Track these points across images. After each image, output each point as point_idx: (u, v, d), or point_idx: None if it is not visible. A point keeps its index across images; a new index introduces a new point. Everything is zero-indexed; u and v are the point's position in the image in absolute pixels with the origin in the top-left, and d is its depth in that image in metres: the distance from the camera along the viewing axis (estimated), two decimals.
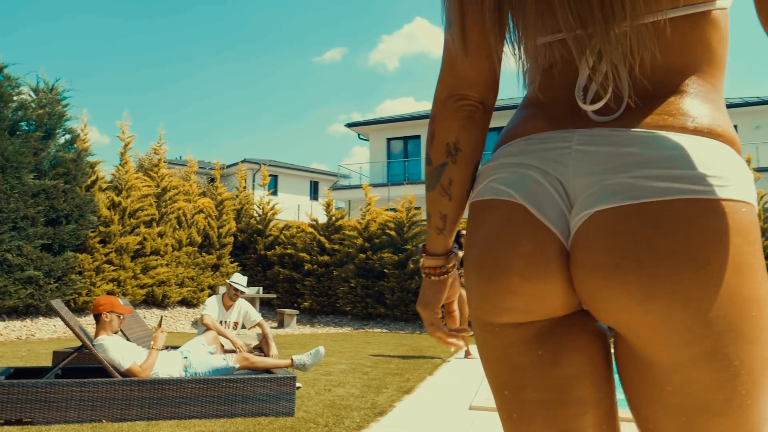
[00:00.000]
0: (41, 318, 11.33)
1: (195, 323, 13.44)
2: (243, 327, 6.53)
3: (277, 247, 16.01)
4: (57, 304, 4.67)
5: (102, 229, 12.47)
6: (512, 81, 1.09)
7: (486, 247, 0.97)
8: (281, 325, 13.76)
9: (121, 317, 4.67)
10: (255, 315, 6.29)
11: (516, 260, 0.94)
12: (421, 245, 1.79)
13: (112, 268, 12.51)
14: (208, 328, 5.80)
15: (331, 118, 78.05)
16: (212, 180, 21.34)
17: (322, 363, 7.67)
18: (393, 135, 29.28)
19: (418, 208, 15.36)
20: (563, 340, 0.98)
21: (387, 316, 14.69)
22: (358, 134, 30.80)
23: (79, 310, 12.11)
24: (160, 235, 13.86)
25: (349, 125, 29.71)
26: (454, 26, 1.03)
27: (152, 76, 72.55)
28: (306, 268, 15.20)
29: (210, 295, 11.49)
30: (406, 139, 29.17)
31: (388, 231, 14.67)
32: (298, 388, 5.62)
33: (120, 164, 13.48)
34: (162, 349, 4.87)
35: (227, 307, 6.20)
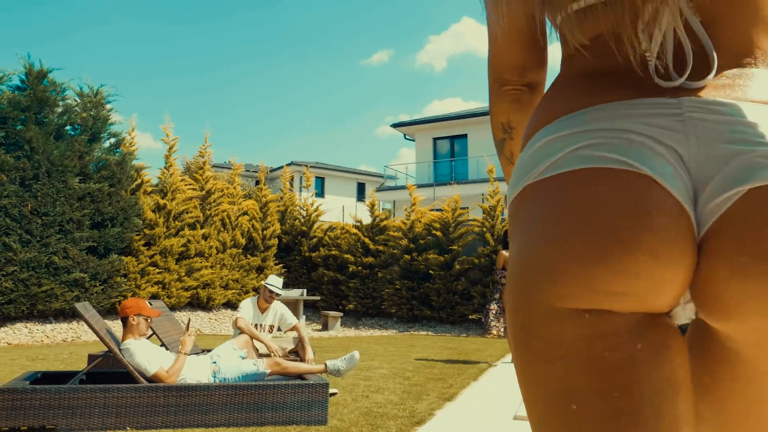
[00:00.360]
0: None
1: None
2: (279, 330, 6.33)
3: (321, 248, 15.86)
4: (81, 307, 4.54)
5: (147, 231, 12.52)
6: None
7: (594, 222, 0.78)
8: (325, 327, 13.58)
9: (149, 320, 4.50)
10: (291, 318, 6.07)
11: (646, 235, 0.75)
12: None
13: (157, 270, 12.55)
14: (242, 332, 5.60)
15: (379, 120, 78.11)
16: (258, 183, 21.43)
17: (362, 367, 7.41)
18: (439, 134, 28.90)
19: (464, 209, 14.98)
20: (663, 337, 0.80)
21: (433, 318, 14.35)
22: (404, 134, 30.53)
23: None
24: (205, 237, 13.86)
25: (395, 125, 29.47)
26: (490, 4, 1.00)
27: (200, 81, 73.97)
28: (350, 269, 14.99)
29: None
30: (452, 139, 28.75)
31: (433, 231, 14.33)
32: (334, 394, 5.37)
33: (165, 167, 13.53)
34: (192, 354, 4.68)
35: (262, 310, 6.00)
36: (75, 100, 11.71)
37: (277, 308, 6.07)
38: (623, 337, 0.78)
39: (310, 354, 5.67)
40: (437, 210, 15.33)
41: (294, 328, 5.99)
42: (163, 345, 5.83)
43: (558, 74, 0.97)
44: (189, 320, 5.03)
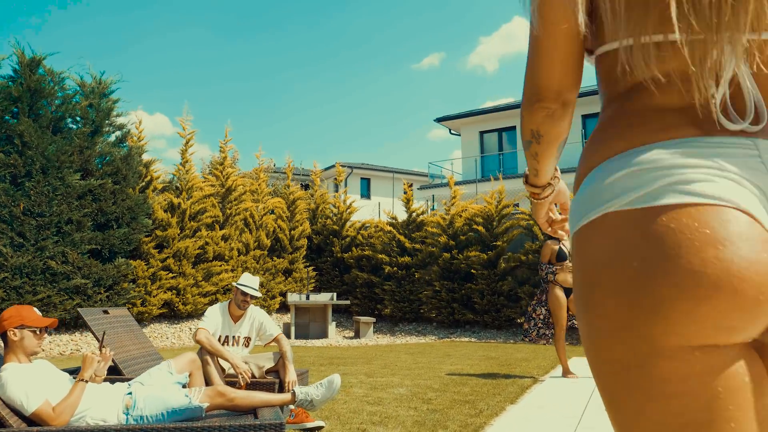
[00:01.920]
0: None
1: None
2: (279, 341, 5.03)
3: (354, 248, 14.57)
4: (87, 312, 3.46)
5: (158, 233, 11.47)
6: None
7: (704, 258, 0.79)
8: (357, 335, 12.26)
9: (40, 332, 3.24)
10: (272, 327, 4.76)
11: (755, 270, 0.78)
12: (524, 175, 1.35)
13: (170, 275, 11.48)
14: (202, 348, 4.33)
15: (431, 124, 76.75)
16: (306, 187, 20.31)
17: (378, 386, 6.05)
18: (486, 128, 27.31)
19: (516, 205, 13.42)
20: (760, 364, 0.84)
21: (476, 322, 12.86)
22: (450, 129, 29.06)
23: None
24: (225, 238, 12.76)
25: (440, 120, 28.02)
26: (536, 14, 1.02)
27: (253, 90, 74.13)
28: (385, 271, 13.64)
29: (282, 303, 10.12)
30: (500, 131, 27.11)
31: (475, 226, 12.84)
32: (320, 428, 4.02)
33: (180, 163, 12.49)
34: (103, 380, 3.42)
35: (235, 318, 4.70)
36: (75, 90, 10.76)
37: (255, 316, 4.77)
38: (732, 369, 0.81)
39: (291, 375, 4.35)
40: (480, 204, 13.84)
41: (275, 341, 4.68)
42: (115, 366, 4.62)
43: (608, 100, 1.00)
44: (104, 333, 3.77)
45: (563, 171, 13.13)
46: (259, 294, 4.77)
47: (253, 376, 4.41)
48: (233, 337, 4.69)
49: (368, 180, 36.48)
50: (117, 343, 4.84)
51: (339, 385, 3.84)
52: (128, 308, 10.84)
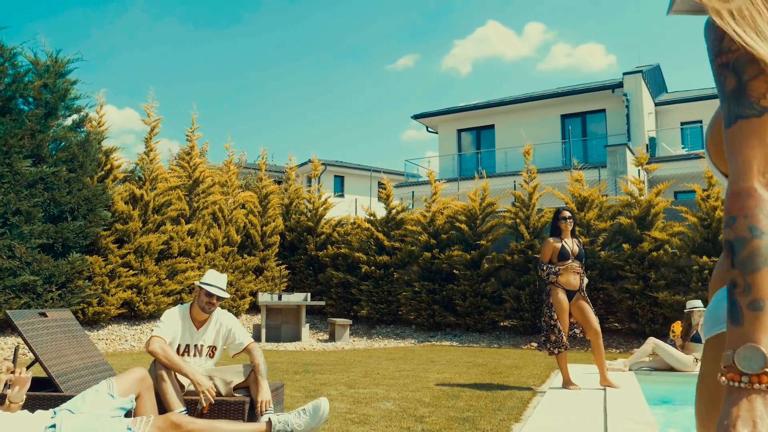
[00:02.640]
0: None
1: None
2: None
3: (329, 246, 13.83)
4: (17, 314, 2.71)
5: (119, 227, 10.59)
6: None
7: None
8: (332, 337, 11.53)
9: None
10: (242, 335, 4.01)
11: None
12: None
13: (131, 272, 10.61)
14: (156, 360, 3.57)
15: (404, 124, 76.24)
16: (279, 182, 19.48)
17: (361, 398, 5.34)
18: (464, 126, 26.77)
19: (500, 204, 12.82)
20: None
21: (458, 325, 12.21)
22: (427, 127, 28.47)
23: (90, 323, 10.24)
24: (191, 233, 11.92)
25: (417, 117, 27.39)
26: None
27: (225, 86, 72.69)
28: (362, 270, 12.92)
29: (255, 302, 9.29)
30: (478, 130, 26.60)
31: (457, 224, 12.21)
32: None
33: (144, 152, 11.61)
34: (23, 406, 2.65)
35: (198, 324, 3.94)
36: (28, 68, 9.83)
37: (222, 321, 4.02)
38: None
39: (264, 393, 3.61)
40: (463, 201, 13.20)
41: (246, 351, 3.93)
42: (49, 377, 3.84)
43: None
44: (17, 348, 3.00)
45: (542, 171, 12.44)
46: (226, 294, 4.02)
47: (219, 394, 3.66)
48: (195, 346, 3.93)
49: (342, 178, 35.72)
50: (55, 351, 4.06)
51: (327, 412, 3.13)
52: (82, 308, 9.95)
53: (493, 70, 71.34)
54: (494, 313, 11.66)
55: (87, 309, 9.93)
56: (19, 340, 9.11)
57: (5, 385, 2.63)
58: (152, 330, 10.99)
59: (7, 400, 2.67)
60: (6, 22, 14.24)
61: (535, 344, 10.67)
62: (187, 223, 11.91)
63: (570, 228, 5.96)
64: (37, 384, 4.20)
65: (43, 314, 4.24)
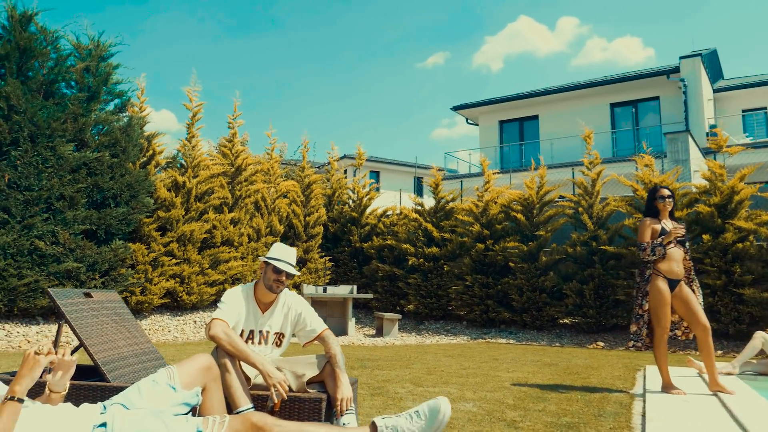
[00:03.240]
0: None
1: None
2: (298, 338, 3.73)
3: (374, 238, 13.29)
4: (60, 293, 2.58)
5: (161, 214, 10.21)
6: None
7: None
8: (380, 332, 10.99)
9: None
10: (315, 321, 3.47)
11: None
12: None
13: (174, 261, 10.22)
14: (219, 347, 3.05)
15: (435, 123, 75.55)
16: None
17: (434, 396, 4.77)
18: (506, 117, 26.00)
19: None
20: None
21: (513, 322, 11.57)
22: (467, 118, 27.77)
23: (133, 312, 9.86)
24: (234, 222, 11.49)
25: (457, 108, 26.69)
26: None
27: (257, 84, 72.88)
28: (410, 262, 12.35)
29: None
30: (521, 121, 25.81)
31: (513, 214, 11.56)
32: None
33: (186, 138, 11.22)
34: (65, 397, 2.16)
35: (263, 306, 3.41)
36: (70, 52, 9.49)
37: (291, 304, 3.49)
38: None
39: (345, 390, 3.08)
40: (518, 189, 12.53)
41: (320, 340, 3.40)
42: (95, 364, 3.37)
43: None
44: (59, 327, 2.52)
45: (565, 164, 11.70)
46: (296, 271, 3.49)
47: (290, 390, 3.14)
48: (260, 332, 3.41)
49: (378, 173, 35.17)
50: (101, 336, 3.59)
51: (448, 415, 2.56)
52: (125, 297, 9.58)
53: (525, 66, 70.13)
54: (554, 309, 10.98)
55: (130, 298, 9.57)
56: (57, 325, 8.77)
57: (47, 370, 2.14)
58: (198, 320, 10.63)
59: (47, 389, 2.18)
60: (49, 4, 13.96)
61: (601, 344, 9.99)
62: (230, 211, 11.49)
63: (669, 208, 5.28)
64: (80, 372, 3.74)
65: (88, 295, 3.78)
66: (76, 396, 3.03)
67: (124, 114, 10.01)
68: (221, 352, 3.02)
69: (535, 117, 25.30)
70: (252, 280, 3.43)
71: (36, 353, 1.96)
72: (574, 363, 7.53)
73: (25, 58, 8.77)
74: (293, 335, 3.54)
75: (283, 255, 3.42)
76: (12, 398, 1.84)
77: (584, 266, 10.69)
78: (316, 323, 3.47)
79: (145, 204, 9.77)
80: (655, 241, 5.09)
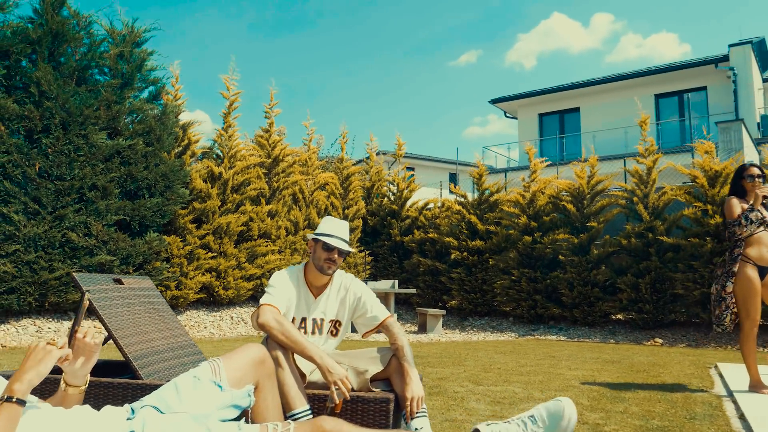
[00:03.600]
0: None
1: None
2: (354, 331, 3.24)
3: (415, 231, 12.80)
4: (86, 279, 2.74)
5: (197, 205, 9.86)
6: None
7: None
8: (423, 329, 10.50)
9: None
10: (376, 307, 2.98)
11: None
12: None
13: (210, 254, 9.87)
14: (270, 338, 2.59)
15: (466, 121, 74.86)
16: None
17: (500, 400, 4.27)
18: (546, 110, 25.28)
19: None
20: None
21: (562, 318, 10.98)
22: (505, 112, 27.08)
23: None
24: (271, 215, 11.11)
25: (495, 101, 26.04)
26: None
27: (291, 83, 73.01)
28: (453, 256, 11.82)
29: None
30: (561, 114, 25.06)
31: (563, 203, 10.95)
32: None
33: (223, 128, 10.87)
34: (84, 395, 1.72)
35: (316, 291, 2.95)
36: (104, 37, 9.18)
37: (348, 286, 3.01)
38: None
39: (416, 388, 2.60)
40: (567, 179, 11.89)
41: (383, 328, 2.92)
42: (126, 359, 2.95)
43: None
44: (85, 300, 2.10)
45: (635, 155, 11.03)
46: (350, 248, 3.02)
47: (352, 389, 2.66)
48: (314, 320, 2.95)
49: (413, 169, 34.68)
50: (133, 327, 3.18)
51: (574, 420, 2.07)
52: (161, 291, 9.23)
53: (558, 63, 68.90)
54: (607, 304, 10.35)
55: (165, 293, 9.23)
56: (96, 324, 8.48)
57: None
58: (235, 316, 10.27)
59: (62, 382, 1.74)
60: None
61: (660, 340, 9.36)
62: (267, 203, 11.11)
63: (758, 190, 4.68)
64: (109, 369, 3.33)
65: (119, 281, 3.37)
66: (101, 396, 2.60)
67: (159, 101, 9.68)
68: (272, 343, 2.56)
69: (576, 109, 24.54)
70: (301, 260, 2.93)
71: (46, 344, 1.51)
72: (637, 360, 6.94)
73: (57, 43, 8.47)
74: (351, 324, 3.07)
75: (335, 229, 2.94)
76: (9, 399, 1.41)
77: (639, 259, 10.04)
78: (378, 309, 2.99)
79: (180, 195, 9.42)
80: (743, 218, 4.53)
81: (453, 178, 36.49)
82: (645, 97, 22.57)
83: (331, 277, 2.99)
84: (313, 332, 2.94)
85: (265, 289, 2.82)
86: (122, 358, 3.00)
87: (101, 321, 2.98)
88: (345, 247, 2.90)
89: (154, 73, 9.66)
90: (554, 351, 7.95)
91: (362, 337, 3.12)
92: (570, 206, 10.78)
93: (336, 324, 3.00)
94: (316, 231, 2.96)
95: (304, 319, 2.93)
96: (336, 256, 2.89)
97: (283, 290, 2.81)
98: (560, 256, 10.65)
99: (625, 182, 11.44)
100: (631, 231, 10.17)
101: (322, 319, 2.97)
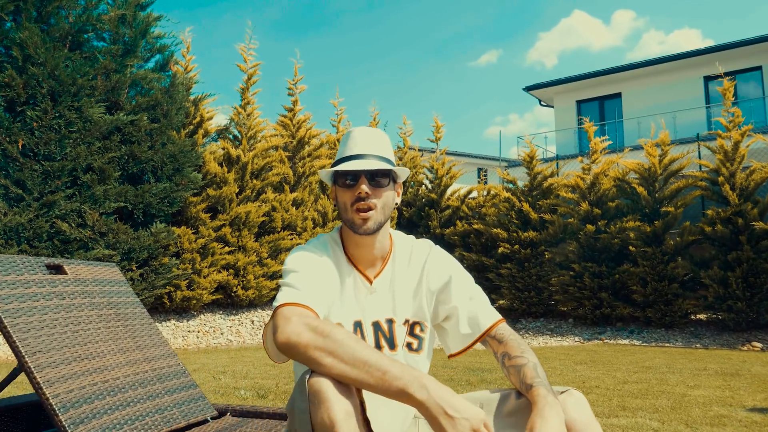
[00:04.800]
0: None
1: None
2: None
3: (458, 222, 11.38)
4: None
5: (211, 192, 8.57)
6: None
7: None
8: None
9: None
10: (478, 301, 1.60)
11: None
12: None
13: (227, 248, 8.57)
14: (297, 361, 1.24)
15: (487, 121, 73.47)
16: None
17: (603, 424, 2.86)
18: (584, 96, 23.69)
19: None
20: None
21: (633, 318, 9.50)
22: (540, 100, 25.54)
23: (178, 310, 8.26)
24: (296, 204, 9.78)
25: (529, 88, 24.51)
26: None
27: (311, 82, 72.36)
28: (500, 250, 10.38)
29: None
30: (601, 100, 23.48)
31: (633, 185, 9.47)
32: None
33: (240, 105, 9.57)
34: None
35: (369, 269, 1.59)
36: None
37: (427, 258, 1.63)
38: None
39: (554, 426, 1.24)
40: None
41: (490, 340, 1.55)
42: (44, 404, 1.60)
43: None
44: None
45: (684, 141, 9.74)
46: (388, 165, 1.55)
47: None
48: (376, 325, 1.57)
49: None
50: (68, 349, 1.83)
51: None
52: (169, 293, 7.97)
53: (579, 61, 67.24)
54: (688, 302, 8.87)
55: (174, 293, 7.95)
56: None
57: None
58: (256, 320, 8.96)
59: None
60: None
61: (759, 345, 7.85)
62: (291, 191, 9.79)
63: None
64: (13, 416, 2.01)
65: (56, 268, 2.03)
66: None
67: (167, 73, 8.41)
68: (320, 380, 1.20)
69: (617, 95, 22.93)
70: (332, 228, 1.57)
71: None
72: (758, 372, 5.48)
73: (46, 2, 7.24)
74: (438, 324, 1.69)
75: (356, 145, 1.56)
76: None
77: (727, 249, 8.55)
78: (480, 305, 1.63)
79: (191, 179, 8.14)
80: None
81: (480, 174, 35.03)
82: (693, 79, 21.06)
83: (391, 242, 1.63)
84: (378, 347, 1.57)
85: (281, 279, 1.46)
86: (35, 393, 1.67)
87: (5, 335, 1.65)
88: (373, 164, 1.50)
89: (162, 41, 8.41)
90: (643, 359, 6.50)
91: (449, 357, 1.74)
92: (641, 189, 9.29)
93: (416, 328, 1.63)
94: (340, 162, 1.57)
95: (358, 326, 1.56)
96: (364, 188, 1.49)
97: (313, 275, 1.46)
98: (630, 247, 9.17)
99: (699, 168, 9.91)
100: (714, 216, 8.67)
101: (390, 321, 1.60)
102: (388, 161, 1.53)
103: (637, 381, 4.95)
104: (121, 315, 2.16)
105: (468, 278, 1.65)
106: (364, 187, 1.46)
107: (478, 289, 1.64)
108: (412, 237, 1.70)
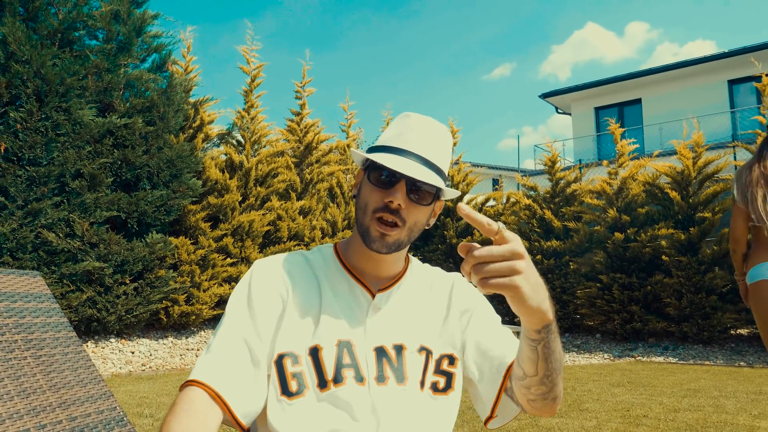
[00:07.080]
0: (111, 340, 7.00)
1: None
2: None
3: (475, 232, 10.75)
4: None
5: (212, 200, 8.02)
6: None
7: None
8: None
9: None
10: (500, 335, 1.06)
11: None
12: None
13: (228, 260, 7.99)
14: None
15: (501, 134, 73.07)
16: None
17: None
18: (603, 103, 23.05)
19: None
20: None
21: (668, 333, 8.80)
22: (557, 108, 24.95)
23: (176, 327, 7.69)
24: (303, 212, 9.20)
25: (545, 95, 23.92)
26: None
27: (323, 95, 72.07)
28: None
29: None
30: (621, 106, 22.82)
31: (666, 189, 8.81)
32: None
33: (244, 108, 9.05)
34: None
35: (371, 280, 1.03)
36: None
37: (448, 283, 1.16)
38: None
39: None
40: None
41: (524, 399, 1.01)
42: None
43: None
44: None
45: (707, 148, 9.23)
46: (441, 184, 1.12)
47: None
48: (381, 350, 1.02)
49: (453, 176, 32.73)
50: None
51: None
52: (166, 306, 7.40)
53: (593, 73, 66.69)
54: (727, 315, 8.16)
55: (172, 309, 7.38)
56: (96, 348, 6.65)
57: None
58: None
59: None
60: None
61: None
62: (298, 199, 9.23)
63: None
64: None
65: None
66: None
67: (164, 73, 7.90)
68: None
69: (638, 101, 22.27)
70: (344, 237, 1.05)
71: None
72: None
73: None
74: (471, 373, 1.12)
75: (409, 136, 1.11)
76: None
77: None
78: (504, 340, 1.10)
79: (190, 186, 7.59)
80: None
81: (496, 184, 34.39)
82: (717, 84, 20.38)
83: (407, 263, 1.21)
84: (380, 380, 1.01)
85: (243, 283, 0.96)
86: None
87: None
88: (421, 173, 1.08)
89: (159, 40, 7.90)
90: (686, 381, 5.83)
91: (484, 425, 1.16)
92: (674, 194, 8.62)
93: (443, 362, 1.08)
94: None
95: (348, 347, 1.03)
96: (399, 197, 1.07)
97: (257, 319, 1.04)
98: (663, 257, 8.49)
99: (736, 170, 9.23)
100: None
101: (399, 348, 1.07)
102: (441, 174, 1.14)
103: (689, 408, 4.29)
104: (32, 342, 1.57)
105: (491, 310, 1.23)
106: (400, 197, 1.08)
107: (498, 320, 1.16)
108: (428, 265, 1.26)
